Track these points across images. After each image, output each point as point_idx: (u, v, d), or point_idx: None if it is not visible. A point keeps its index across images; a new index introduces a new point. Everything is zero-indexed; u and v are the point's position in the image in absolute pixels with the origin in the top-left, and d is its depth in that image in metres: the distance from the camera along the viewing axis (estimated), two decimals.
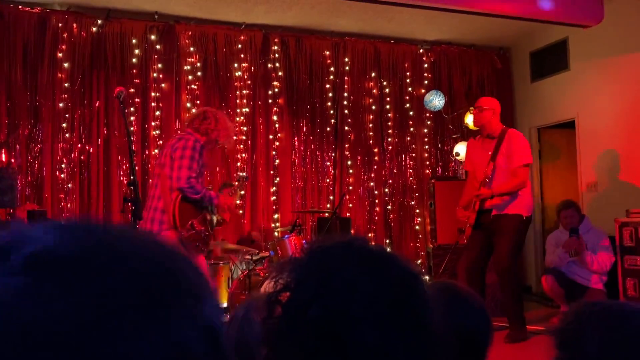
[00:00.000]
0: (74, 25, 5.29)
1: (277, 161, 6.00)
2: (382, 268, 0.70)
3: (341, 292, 0.67)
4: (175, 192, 3.41)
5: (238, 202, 5.77)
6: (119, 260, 0.35)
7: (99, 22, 5.38)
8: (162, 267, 0.37)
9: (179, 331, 0.34)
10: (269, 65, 5.99)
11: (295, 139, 6.12)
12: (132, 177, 2.84)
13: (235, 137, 3.99)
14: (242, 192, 5.73)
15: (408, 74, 6.51)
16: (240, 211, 5.76)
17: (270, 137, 5.98)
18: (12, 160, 4.98)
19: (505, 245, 4.04)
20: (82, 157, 5.32)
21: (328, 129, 6.21)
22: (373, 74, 6.38)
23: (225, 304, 4.81)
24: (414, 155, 6.49)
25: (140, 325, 0.33)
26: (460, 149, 6.06)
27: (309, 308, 0.66)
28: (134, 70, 5.49)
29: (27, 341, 0.29)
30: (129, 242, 0.37)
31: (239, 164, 5.82)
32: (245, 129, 5.86)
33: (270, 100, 6.00)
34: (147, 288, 0.35)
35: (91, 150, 5.34)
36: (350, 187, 6.24)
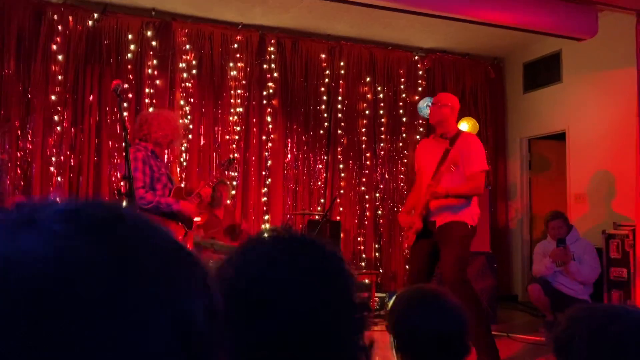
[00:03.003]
0: (70, 18, 5.26)
1: (269, 162, 6.00)
2: (293, 245, 0.85)
3: (257, 262, 0.82)
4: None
5: (228, 201, 5.76)
6: (138, 229, 0.36)
7: (95, 16, 5.35)
8: (177, 247, 0.38)
9: (183, 305, 0.35)
10: (265, 66, 5.99)
11: (288, 140, 6.12)
12: (127, 171, 2.82)
13: (181, 132, 3.78)
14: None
15: (402, 80, 6.54)
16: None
17: (264, 137, 5.98)
18: (1, 152, 4.94)
19: (448, 256, 3.59)
20: (72, 152, 5.28)
21: (321, 131, 6.22)
22: (368, 79, 6.41)
23: None
24: (405, 161, 6.51)
25: (155, 294, 0.34)
26: None
27: (235, 281, 0.79)
28: (129, 66, 5.47)
29: (63, 292, 0.30)
30: (144, 220, 0.38)
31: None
32: (238, 128, 5.86)
33: (264, 101, 6.00)
34: (165, 259, 0.36)
35: (82, 145, 5.30)
36: (342, 191, 6.25)
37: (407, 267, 6.31)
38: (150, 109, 5.51)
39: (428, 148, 3.95)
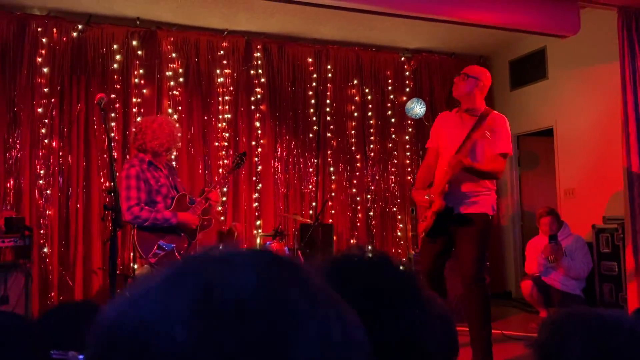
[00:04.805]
0: (54, 30, 5.23)
1: (260, 167, 6.00)
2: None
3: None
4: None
5: (219, 208, 5.75)
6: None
7: (80, 27, 5.33)
8: None
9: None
10: (252, 72, 5.99)
11: (278, 145, 6.12)
12: (112, 185, 2.81)
13: (179, 135, 3.58)
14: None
15: (390, 81, 6.56)
16: (222, 217, 5.73)
17: (253, 143, 5.98)
18: None
19: (471, 250, 3.39)
20: (61, 164, 5.25)
21: (310, 135, 6.23)
22: (355, 81, 6.42)
23: None
24: (395, 162, 6.53)
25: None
26: None
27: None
28: (115, 76, 5.45)
29: None
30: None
31: (220, 170, 5.80)
32: (227, 135, 5.85)
33: (252, 107, 5.99)
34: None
35: (71, 157, 5.27)
36: (333, 194, 6.26)
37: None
38: (139, 118, 5.50)
39: (451, 123, 3.61)
